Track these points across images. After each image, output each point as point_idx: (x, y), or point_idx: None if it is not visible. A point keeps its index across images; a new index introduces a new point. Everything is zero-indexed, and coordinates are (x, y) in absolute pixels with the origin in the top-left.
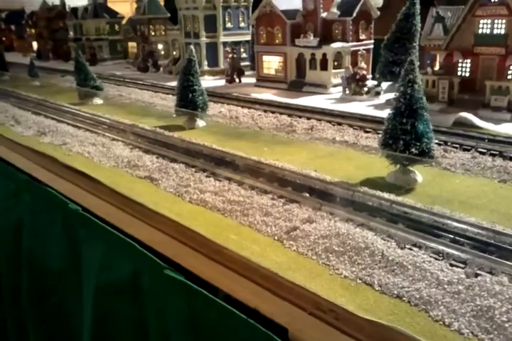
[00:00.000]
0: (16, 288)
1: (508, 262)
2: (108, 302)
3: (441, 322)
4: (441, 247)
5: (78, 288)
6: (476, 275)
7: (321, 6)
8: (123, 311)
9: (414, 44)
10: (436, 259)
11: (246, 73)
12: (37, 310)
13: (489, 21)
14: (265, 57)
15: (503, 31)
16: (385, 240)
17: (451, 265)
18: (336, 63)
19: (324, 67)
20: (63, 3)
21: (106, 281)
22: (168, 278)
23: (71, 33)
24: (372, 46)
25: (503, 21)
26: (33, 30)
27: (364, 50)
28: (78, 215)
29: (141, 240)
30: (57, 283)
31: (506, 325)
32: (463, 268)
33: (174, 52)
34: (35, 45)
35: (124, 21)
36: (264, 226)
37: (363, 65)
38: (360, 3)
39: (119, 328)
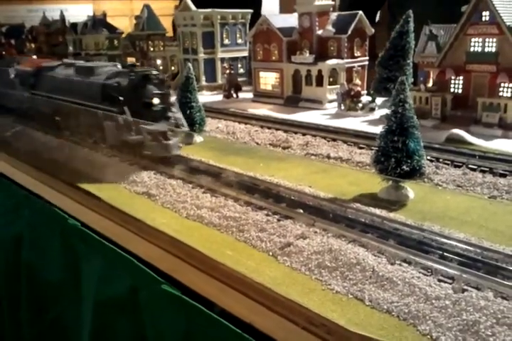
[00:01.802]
0: (15, 303)
1: (493, 278)
2: (106, 317)
3: (428, 336)
4: (429, 263)
5: (77, 302)
6: (463, 290)
7: (317, 23)
8: (121, 325)
9: (408, 61)
10: (424, 275)
11: (243, 88)
12: (36, 324)
13: (480, 40)
14: (262, 73)
15: (494, 49)
16: (375, 256)
17: (439, 280)
18: (331, 79)
19: (320, 83)
20: (63, 19)
21: (104, 296)
22: (165, 293)
23: (70, 48)
24: (367, 63)
25: (494, 40)
26: (32, 45)
27: (359, 66)
28: (77, 230)
29: (139, 255)
30: (56, 298)
31: (491, 339)
32: (450, 283)
33: (173, 68)
34: None
35: (123, 36)
36: (259, 242)
37: (357, 81)
38: (355, 21)
39: None
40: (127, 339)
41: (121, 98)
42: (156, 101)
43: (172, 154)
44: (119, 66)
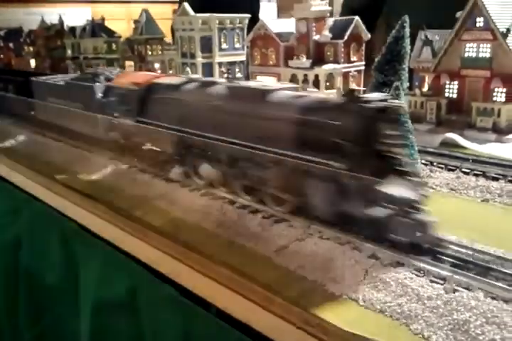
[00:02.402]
0: (14, 305)
1: (483, 278)
2: (105, 318)
3: (420, 335)
4: (422, 264)
5: (75, 304)
6: (454, 291)
7: (314, 28)
8: (120, 327)
9: (404, 66)
10: (417, 276)
11: None
12: (34, 327)
13: (475, 45)
14: (259, 78)
15: (488, 55)
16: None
17: (432, 281)
18: (327, 84)
19: (316, 87)
20: (61, 23)
21: (103, 298)
22: (163, 294)
23: (69, 52)
24: (363, 68)
25: (488, 45)
26: (31, 48)
27: (355, 71)
28: (76, 233)
29: (137, 257)
30: (54, 300)
31: (480, 338)
32: (442, 284)
33: (171, 72)
34: (32, 62)
35: (121, 40)
36: None
37: (353, 86)
38: (352, 27)
39: None
40: (126, 340)
41: (347, 145)
42: (398, 151)
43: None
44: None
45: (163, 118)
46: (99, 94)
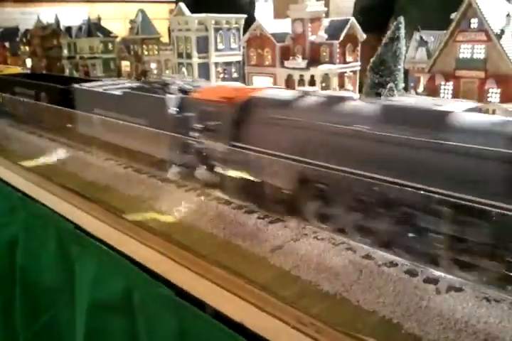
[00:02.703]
0: (9, 305)
1: None
2: (101, 319)
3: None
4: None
5: (71, 304)
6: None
7: (309, 29)
8: (115, 327)
9: (399, 67)
10: (410, 276)
11: None
12: (30, 328)
13: (469, 46)
14: (256, 78)
15: (482, 56)
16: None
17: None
18: (323, 84)
19: None
20: (57, 22)
21: (98, 298)
22: (158, 295)
23: (65, 51)
24: (359, 68)
25: (483, 46)
26: (27, 48)
27: (351, 71)
28: (72, 233)
29: (133, 257)
30: (50, 300)
31: None
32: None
33: (167, 71)
34: (28, 62)
35: (117, 40)
36: None
37: (349, 86)
38: (347, 27)
39: None
40: (121, 340)
41: None
42: None
43: None
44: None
45: (269, 145)
46: (172, 108)
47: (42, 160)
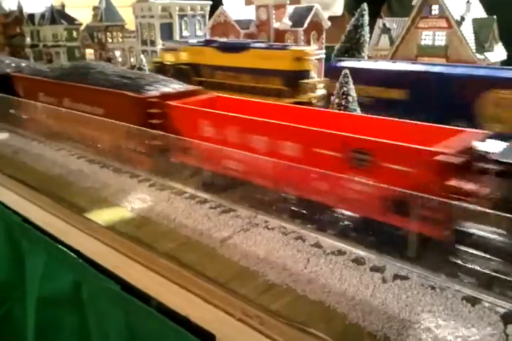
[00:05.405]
0: None
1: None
2: (51, 313)
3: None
4: (362, 253)
5: (22, 299)
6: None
7: (274, 16)
8: (65, 322)
9: (363, 54)
10: (357, 265)
11: None
12: None
13: (431, 33)
14: None
15: (443, 43)
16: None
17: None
18: None
19: None
20: (20, 9)
21: (48, 292)
22: (106, 289)
23: (28, 40)
24: (324, 56)
25: (443, 33)
26: None
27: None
28: (20, 226)
29: (81, 251)
30: (4, 295)
31: None
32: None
33: (132, 59)
34: None
35: (82, 27)
36: None
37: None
38: (311, 14)
39: (62, 339)
40: (71, 334)
41: None
42: None
43: None
44: None
45: None
46: None
47: None
